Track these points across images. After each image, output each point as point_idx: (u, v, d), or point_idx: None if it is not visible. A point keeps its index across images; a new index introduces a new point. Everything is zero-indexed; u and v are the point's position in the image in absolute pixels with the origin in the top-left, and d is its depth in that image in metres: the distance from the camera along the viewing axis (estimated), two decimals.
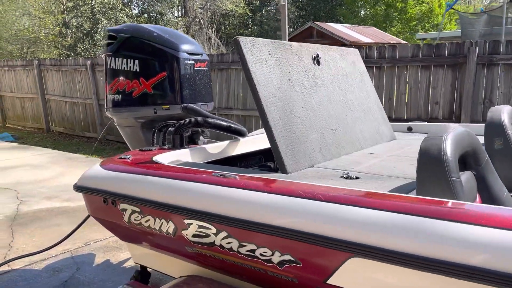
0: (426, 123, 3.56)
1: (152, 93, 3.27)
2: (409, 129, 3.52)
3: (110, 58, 3.43)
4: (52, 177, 7.09)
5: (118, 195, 2.03)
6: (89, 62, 10.35)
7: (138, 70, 3.28)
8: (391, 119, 6.00)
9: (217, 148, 2.81)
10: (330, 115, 2.61)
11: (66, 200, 5.81)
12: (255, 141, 3.09)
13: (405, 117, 6.31)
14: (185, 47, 3.32)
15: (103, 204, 2.15)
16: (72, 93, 11.16)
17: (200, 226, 1.73)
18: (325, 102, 2.62)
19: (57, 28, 26.60)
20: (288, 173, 2.11)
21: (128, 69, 3.32)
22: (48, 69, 11.71)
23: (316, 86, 2.61)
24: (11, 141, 10.86)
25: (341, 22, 28.80)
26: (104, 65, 3.53)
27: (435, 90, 6.07)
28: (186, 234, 1.80)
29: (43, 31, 28.38)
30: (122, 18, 24.39)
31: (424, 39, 16.27)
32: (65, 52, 25.62)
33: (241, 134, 2.82)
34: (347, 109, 2.80)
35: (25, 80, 12.53)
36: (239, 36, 2.24)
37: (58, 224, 4.94)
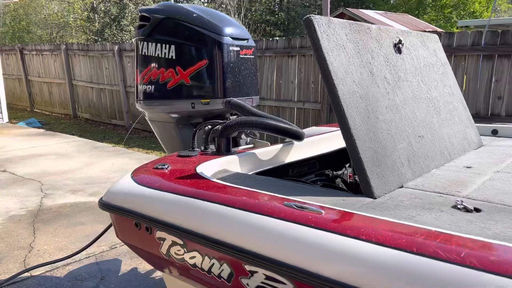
0: None
1: (190, 84, 2.79)
2: (494, 132, 2.94)
3: (142, 42, 2.96)
4: (78, 167, 6.77)
5: (155, 221, 1.56)
6: (116, 47, 9.99)
7: (174, 57, 2.81)
8: None
9: (267, 153, 2.32)
10: (415, 117, 2.07)
11: (91, 195, 5.45)
12: (310, 145, 2.58)
13: None
14: (229, 30, 2.81)
15: (134, 228, 1.70)
16: (99, 79, 10.85)
17: (268, 278, 1.25)
18: (409, 100, 2.09)
19: (85, 13, 26.54)
20: (375, 198, 1.60)
21: (163, 55, 2.85)
22: (75, 54, 11.43)
23: (400, 80, 2.08)
24: (38, 127, 10.66)
25: (371, 9, 27.66)
26: (135, 51, 3.07)
27: (498, 84, 5.40)
28: (247, 285, 1.32)
29: (71, 16, 28.40)
30: (149, 3, 24.06)
31: (466, 26, 15.24)
32: (93, 37, 25.56)
33: (300, 137, 2.32)
34: (433, 109, 2.26)
35: (53, 64, 12.31)
36: (312, 15, 1.72)
37: (82, 222, 4.58)
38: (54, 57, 12.17)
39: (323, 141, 2.70)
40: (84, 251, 3.82)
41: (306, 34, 1.73)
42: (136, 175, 1.83)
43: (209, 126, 2.36)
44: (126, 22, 24.47)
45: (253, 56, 2.94)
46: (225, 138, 2.18)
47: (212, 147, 2.33)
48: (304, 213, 1.26)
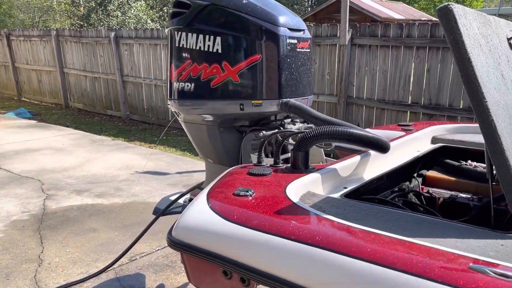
0: None
1: (239, 82, 2.40)
2: None
3: (179, 33, 2.54)
4: (79, 164, 6.31)
5: (257, 273, 1.19)
6: (112, 34, 9.44)
7: (219, 51, 2.40)
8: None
9: (346, 168, 1.96)
10: None
11: (98, 196, 5.03)
12: (383, 155, 2.23)
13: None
14: (284, 20, 2.42)
15: (222, 277, 1.32)
16: (93, 67, 10.29)
17: None
18: None
19: None
20: None
21: (206, 49, 2.44)
22: (67, 40, 10.82)
23: None
24: (29, 118, 10.09)
25: None
26: (169, 43, 2.65)
27: None
28: None
29: None
30: None
31: None
32: (78, 22, 24.64)
33: (386, 149, 1.97)
34: None
35: (42, 51, 11.67)
36: (451, 3, 1.34)
37: (93, 229, 4.17)
38: (43, 43, 11.51)
39: (395, 149, 2.35)
40: (102, 263, 3.44)
41: (441, 26, 1.36)
42: (215, 203, 1.45)
43: (280, 136, 1.98)
44: (112, 7, 23.61)
45: (309, 50, 2.56)
46: (303, 152, 1.80)
47: (278, 160, 1.95)
48: None
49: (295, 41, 2.43)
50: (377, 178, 2.10)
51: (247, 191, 1.49)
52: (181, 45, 2.54)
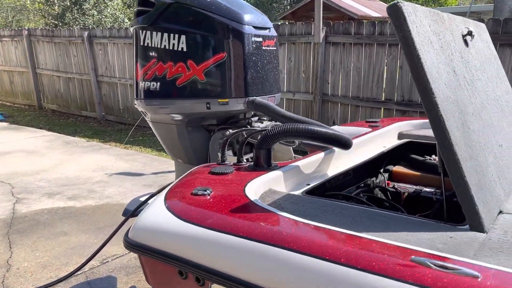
0: None
1: (205, 81, 2.39)
2: None
3: (144, 32, 2.52)
4: (51, 166, 6.19)
5: (212, 273, 1.18)
6: (86, 33, 9.28)
7: (185, 50, 2.39)
8: None
9: (310, 165, 1.97)
10: (492, 122, 1.77)
11: (70, 199, 4.94)
12: (348, 151, 2.25)
13: None
14: (249, 18, 2.42)
15: (178, 277, 1.31)
16: (67, 68, 10.10)
17: None
18: (485, 103, 1.78)
19: None
20: (486, 232, 1.28)
21: (171, 47, 2.42)
22: (39, 40, 10.59)
23: (474, 79, 1.77)
24: (0, 120, 9.84)
25: None
26: (134, 41, 2.62)
27: None
28: None
29: None
30: None
31: None
32: (53, 21, 24.16)
33: (349, 146, 1.99)
34: (501, 111, 1.97)
35: (14, 52, 11.39)
36: (401, 1, 1.36)
37: (64, 232, 4.10)
38: (15, 43, 11.24)
39: (360, 146, 2.37)
40: (72, 266, 3.38)
41: (391, 24, 1.37)
42: (172, 203, 1.44)
43: (244, 134, 1.98)
44: (88, 6, 23.23)
45: (275, 48, 2.56)
46: (265, 150, 1.80)
47: (243, 159, 1.96)
48: (453, 277, 0.92)
49: (260, 39, 2.43)
50: (341, 174, 2.12)
51: (205, 190, 1.48)
52: (146, 44, 2.52)
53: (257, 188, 1.62)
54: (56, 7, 24.66)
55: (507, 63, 5.16)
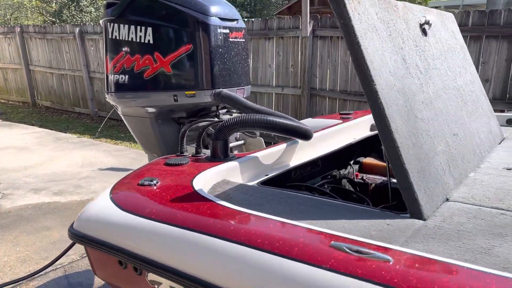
0: None
1: (172, 73, 2.38)
2: (509, 122, 2.69)
3: (111, 24, 2.51)
4: (40, 162, 6.20)
5: (146, 262, 1.18)
6: (77, 29, 9.27)
7: (151, 42, 2.38)
8: None
9: (270, 156, 1.97)
10: (448, 111, 1.77)
11: (56, 194, 4.95)
12: (313, 143, 2.25)
13: None
14: (215, 9, 2.41)
15: (118, 267, 1.31)
16: (59, 64, 10.10)
17: None
18: (441, 92, 1.77)
19: None
20: (424, 219, 1.28)
21: (138, 40, 2.42)
22: (32, 37, 10.57)
23: (429, 67, 1.76)
24: None
25: None
26: (104, 34, 2.62)
27: (486, 66, 5.21)
28: None
29: None
30: None
31: (437, 7, 15.18)
32: (50, 18, 24.13)
33: (308, 137, 1.98)
34: (461, 101, 1.96)
35: (7, 48, 11.38)
36: None
37: (47, 227, 4.10)
38: (8, 40, 11.23)
39: (327, 137, 2.37)
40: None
41: (333, 11, 1.37)
42: (117, 195, 1.44)
43: (203, 125, 1.98)
44: (85, 3, 23.18)
45: (244, 40, 2.55)
46: (222, 141, 1.80)
47: (205, 151, 1.96)
48: (366, 261, 0.92)
49: (227, 31, 2.42)
50: (307, 165, 2.12)
51: (151, 181, 1.48)
52: (114, 37, 2.51)
53: (209, 178, 1.62)
54: (53, 5, 24.62)
55: (493, 55, 5.14)
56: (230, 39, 2.43)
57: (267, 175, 1.89)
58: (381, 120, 1.31)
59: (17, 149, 6.98)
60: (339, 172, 2.32)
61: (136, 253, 1.21)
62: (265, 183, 1.78)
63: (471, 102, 2.08)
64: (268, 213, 1.27)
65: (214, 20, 2.35)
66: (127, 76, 2.48)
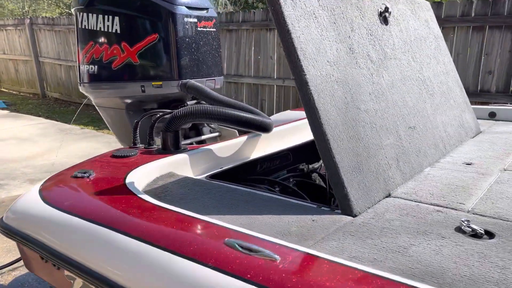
0: None
1: (139, 63, 2.35)
2: (492, 115, 2.58)
3: (81, 14, 2.48)
4: (39, 153, 6.27)
5: (57, 258, 1.15)
6: None
7: (119, 31, 2.35)
8: None
9: (228, 148, 1.92)
10: (405, 103, 1.69)
11: None
12: (282, 135, 2.19)
13: None
14: None
15: (41, 261, 1.29)
16: (67, 56, 10.17)
17: None
18: (398, 83, 1.69)
19: None
20: (355, 215, 1.22)
21: (106, 29, 2.38)
22: (40, 28, 10.68)
23: (386, 57, 1.68)
24: (3, 108, 10.01)
25: None
26: (75, 24, 2.59)
27: (489, 57, 5.04)
28: None
29: None
30: None
31: None
32: (66, 10, 24.36)
33: (266, 129, 1.92)
34: (426, 93, 1.87)
35: (18, 40, 11.53)
36: None
37: None
38: (18, 32, 11.37)
39: (297, 130, 2.31)
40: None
41: None
42: (46, 186, 1.41)
43: (155, 116, 1.94)
44: None
45: (214, 29, 2.50)
46: (172, 132, 1.76)
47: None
48: (252, 259, 0.87)
49: (195, 20, 2.37)
50: (268, 158, 2.06)
51: (85, 173, 1.45)
52: (83, 26, 2.48)
53: (152, 171, 1.58)
54: None
55: (496, 46, 4.97)
56: (199, 29, 2.38)
57: (221, 167, 1.84)
58: (311, 111, 1.25)
59: (20, 140, 7.07)
60: (307, 166, 2.26)
61: (51, 248, 1.18)
62: (216, 176, 1.73)
63: (440, 94, 1.99)
64: (194, 207, 1.23)
65: (181, 9, 2.30)
66: (96, 67, 2.46)
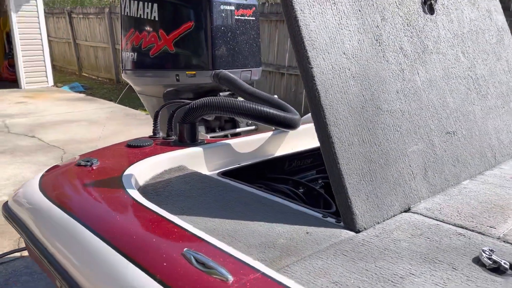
0: None
1: (174, 51, 2.31)
2: None
3: (124, 1, 2.49)
4: (104, 136, 6.58)
5: (40, 250, 1.12)
6: None
7: (156, 18, 2.32)
8: None
9: (249, 144, 1.82)
10: (445, 105, 1.47)
11: None
12: (309, 133, 2.04)
13: None
14: None
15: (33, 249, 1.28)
16: None
17: None
18: (439, 81, 1.47)
19: None
20: (358, 231, 1.06)
21: (145, 16, 2.37)
22: (118, 17, 11.22)
23: (426, 51, 1.47)
24: (80, 92, 10.70)
25: None
26: (120, 11, 2.61)
27: None
28: None
29: None
30: None
31: None
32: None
33: (291, 126, 1.79)
34: (476, 93, 1.63)
35: (98, 28, 12.24)
36: None
37: None
38: (99, 20, 12.06)
39: None
40: None
41: None
42: (49, 174, 1.40)
43: (174, 107, 1.88)
44: None
45: (253, 18, 2.39)
46: (188, 124, 1.69)
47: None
48: (201, 277, 0.76)
49: (232, 7, 2.28)
50: (295, 156, 1.93)
51: (88, 161, 1.42)
52: (126, 13, 2.50)
53: (160, 163, 1.52)
54: None
55: None
56: (236, 17, 2.28)
57: (239, 164, 1.74)
58: (315, 109, 1.10)
59: (90, 122, 7.49)
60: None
61: (33, 237, 1.16)
62: (231, 173, 1.63)
63: (496, 96, 1.72)
64: (181, 207, 1.15)
65: None
66: (136, 54, 2.46)
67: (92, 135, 6.59)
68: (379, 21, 1.34)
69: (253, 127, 2.59)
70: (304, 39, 1.11)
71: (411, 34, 1.44)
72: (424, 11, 1.53)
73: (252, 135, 1.85)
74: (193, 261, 0.80)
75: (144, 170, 1.42)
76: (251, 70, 2.41)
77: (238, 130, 2.49)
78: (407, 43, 1.41)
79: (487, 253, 0.92)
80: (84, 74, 13.82)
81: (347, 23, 1.24)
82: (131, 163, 1.44)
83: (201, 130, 2.43)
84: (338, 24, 1.21)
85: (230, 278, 0.75)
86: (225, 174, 1.60)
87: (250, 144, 1.81)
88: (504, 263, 0.90)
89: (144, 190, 1.31)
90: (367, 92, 1.22)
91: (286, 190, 1.72)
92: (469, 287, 0.82)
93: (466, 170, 1.44)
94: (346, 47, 1.21)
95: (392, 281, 0.84)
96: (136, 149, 1.63)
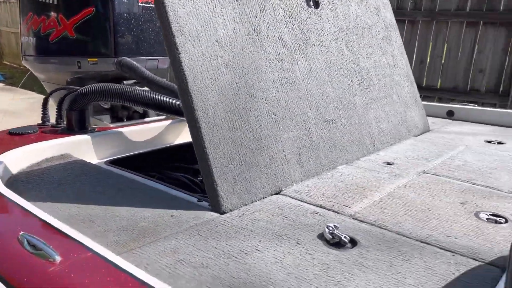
0: (474, 106, 2.46)
1: (75, 37, 2.22)
2: (450, 114, 2.42)
3: None
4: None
5: None
6: None
7: (56, 2, 2.22)
8: (419, 88, 4.69)
9: (144, 133, 1.81)
10: (325, 94, 1.55)
11: None
12: None
13: (438, 86, 5.15)
14: None
15: None
16: None
17: None
18: (319, 72, 1.55)
19: None
20: (223, 212, 1.10)
21: (44, 0, 2.26)
22: None
23: (308, 43, 1.53)
24: (0, 81, 9.99)
25: None
26: None
27: (481, 55, 4.84)
28: None
29: None
30: None
31: None
32: None
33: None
34: (358, 85, 1.73)
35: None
36: None
37: None
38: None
39: None
40: None
41: None
42: None
43: (63, 94, 1.82)
44: None
45: None
46: (77, 112, 1.64)
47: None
48: (30, 259, 0.76)
49: None
50: (179, 146, 1.93)
51: None
52: None
53: (42, 150, 1.47)
54: None
55: (489, 43, 4.76)
56: (140, 4, 2.25)
57: (132, 152, 1.73)
58: (183, 95, 1.12)
59: (7, 113, 7.03)
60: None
61: None
62: (121, 162, 1.61)
63: (379, 88, 1.84)
64: (47, 195, 1.12)
65: None
66: (34, 39, 2.34)
67: (5, 126, 6.19)
68: (258, 11, 1.38)
69: (163, 117, 2.57)
70: (172, 25, 1.12)
71: (292, 26, 1.50)
72: (308, 4, 1.60)
73: (148, 124, 1.84)
74: (25, 243, 0.79)
75: (20, 158, 1.37)
76: (157, 59, 2.38)
77: (147, 119, 2.45)
78: (288, 34, 1.47)
79: (330, 228, 0.99)
80: (6, 62, 12.91)
81: (221, 12, 1.26)
82: (6, 150, 1.38)
83: (106, 119, 2.37)
84: (212, 12, 1.23)
85: (58, 259, 0.74)
86: (114, 162, 1.58)
87: (146, 132, 1.80)
88: (345, 237, 0.97)
89: (16, 178, 1.26)
90: (241, 79, 1.26)
91: (183, 179, 1.73)
92: (305, 259, 0.88)
93: (343, 156, 1.53)
94: (220, 35, 1.23)
95: (235, 257, 0.87)
96: (18, 136, 1.57)
